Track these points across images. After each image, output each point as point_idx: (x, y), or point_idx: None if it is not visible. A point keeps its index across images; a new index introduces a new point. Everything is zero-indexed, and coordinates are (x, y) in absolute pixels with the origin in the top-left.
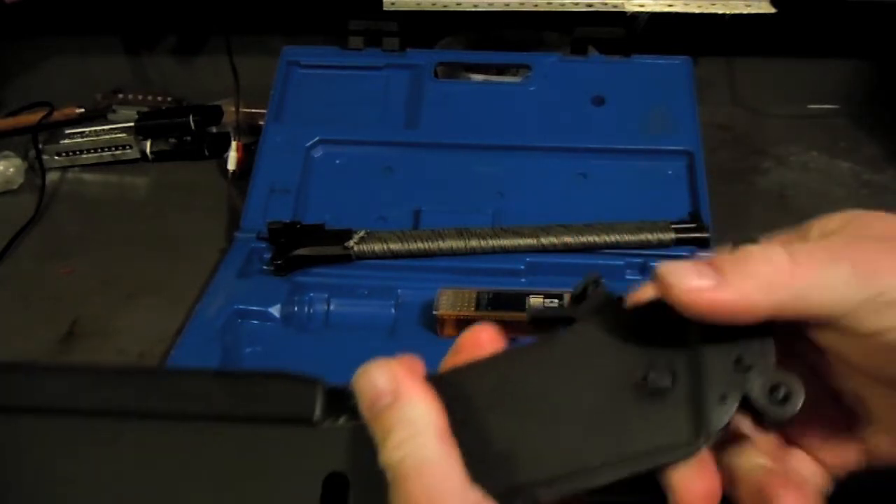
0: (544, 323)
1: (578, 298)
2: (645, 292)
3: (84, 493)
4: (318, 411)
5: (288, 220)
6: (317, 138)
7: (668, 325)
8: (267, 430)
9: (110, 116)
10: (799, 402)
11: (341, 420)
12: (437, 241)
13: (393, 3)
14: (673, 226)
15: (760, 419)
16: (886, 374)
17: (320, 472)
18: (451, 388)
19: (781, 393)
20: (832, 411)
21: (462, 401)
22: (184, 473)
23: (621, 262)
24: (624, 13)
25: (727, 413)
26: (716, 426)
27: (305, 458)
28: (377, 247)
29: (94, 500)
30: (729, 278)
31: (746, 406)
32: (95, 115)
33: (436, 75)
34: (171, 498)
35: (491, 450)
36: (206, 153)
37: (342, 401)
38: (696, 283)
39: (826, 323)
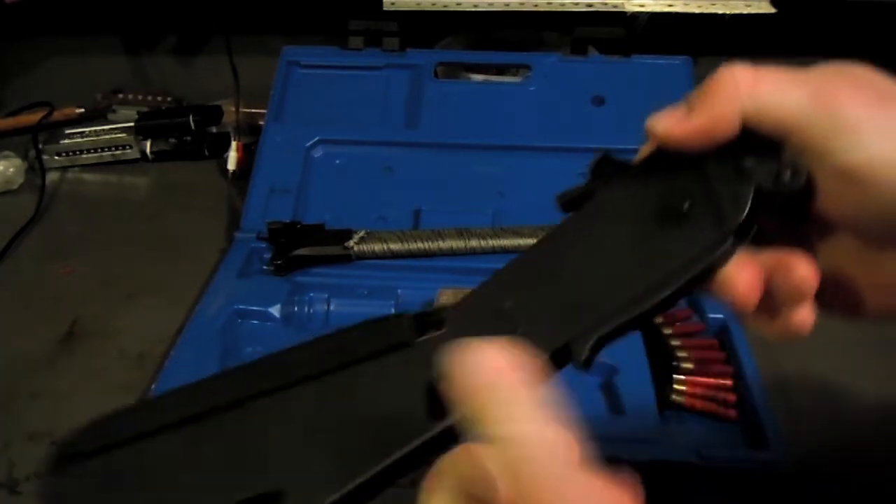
0: (572, 204)
1: (594, 175)
2: (645, 150)
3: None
4: (410, 334)
5: (288, 220)
6: (317, 138)
7: (675, 165)
8: (373, 364)
9: (110, 116)
10: (804, 173)
11: (431, 334)
12: (437, 241)
13: (393, 3)
14: None
15: (776, 206)
16: (844, 207)
17: (422, 382)
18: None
19: (787, 175)
20: None
21: (516, 281)
22: (315, 423)
23: None
24: (624, 13)
25: (743, 207)
26: (735, 221)
27: (408, 374)
28: (377, 247)
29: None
30: (698, 106)
31: (761, 199)
32: (95, 115)
33: (436, 75)
34: (304, 446)
35: (551, 310)
36: (206, 153)
37: (428, 318)
38: (670, 120)
39: (788, 138)
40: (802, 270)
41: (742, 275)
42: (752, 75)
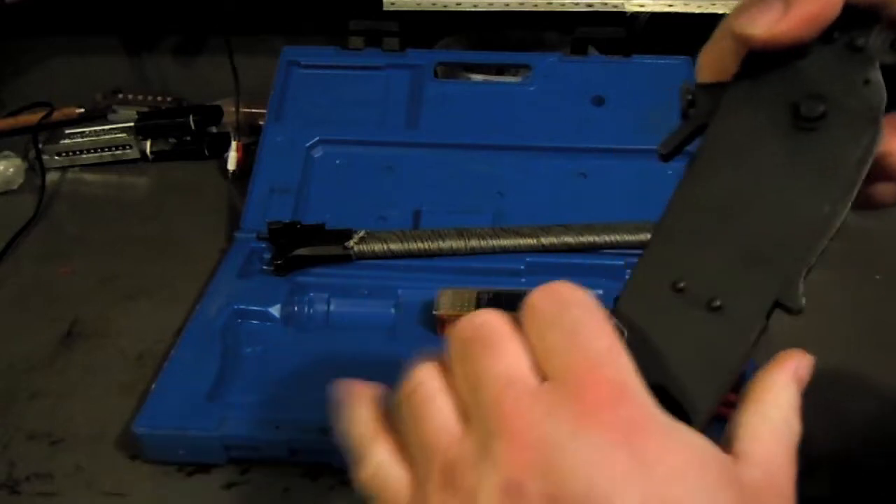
0: (679, 148)
1: (692, 106)
2: (720, 52)
3: None
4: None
5: (288, 220)
6: (317, 138)
7: (778, 67)
8: None
9: (110, 116)
10: None
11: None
12: (437, 241)
13: (393, 3)
14: None
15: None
16: None
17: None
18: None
19: None
20: None
21: (680, 249)
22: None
23: (621, 262)
24: (624, 13)
25: (878, 88)
26: (879, 105)
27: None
28: (377, 247)
29: None
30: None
31: (888, 72)
32: (95, 115)
33: (436, 75)
34: None
35: (738, 268)
36: (206, 153)
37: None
38: (768, 18)
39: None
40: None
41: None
42: None
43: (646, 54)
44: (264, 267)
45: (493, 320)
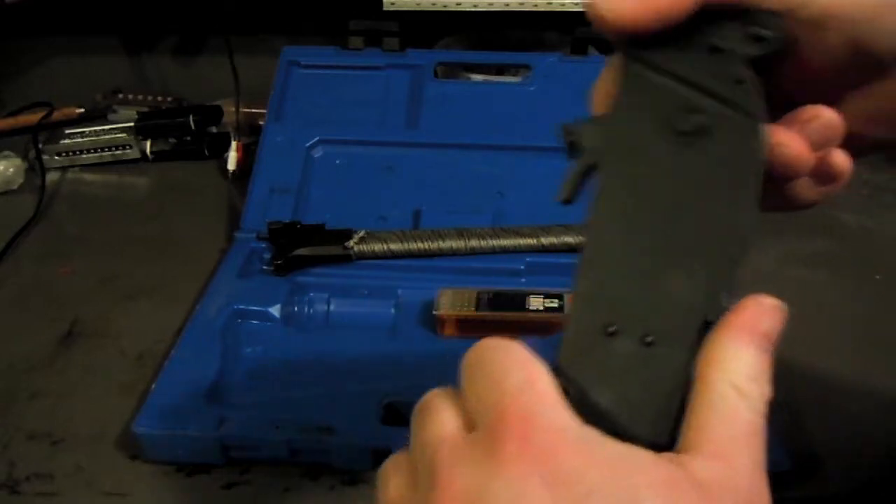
0: (576, 193)
1: (576, 147)
2: (609, 83)
3: None
4: None
5: (288, 220)
6: (317, 138)
7: (648, 83)
8: None
9: (110, 116)
10: (781, 25)
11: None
12: (437, 241)
13: (393, 3)
14: None
15: (766, 63)
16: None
17: None
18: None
19: (767, 32)
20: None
21: (603, 291)
22: None
23: None
24: None
25: (748, 87)
26: (755, 104)
27: None
28: (377, 247)
29: None
30: None
31: (758, 67)
32: (95, 115)
33: (436, 75)
34: None
35: (663, 299)
36: (206, 153)
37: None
38: (617, 3)
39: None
40: (826, 114)
41: (791, 139)
42: None
43: None
44: (264, 267)
45: (434, 393)
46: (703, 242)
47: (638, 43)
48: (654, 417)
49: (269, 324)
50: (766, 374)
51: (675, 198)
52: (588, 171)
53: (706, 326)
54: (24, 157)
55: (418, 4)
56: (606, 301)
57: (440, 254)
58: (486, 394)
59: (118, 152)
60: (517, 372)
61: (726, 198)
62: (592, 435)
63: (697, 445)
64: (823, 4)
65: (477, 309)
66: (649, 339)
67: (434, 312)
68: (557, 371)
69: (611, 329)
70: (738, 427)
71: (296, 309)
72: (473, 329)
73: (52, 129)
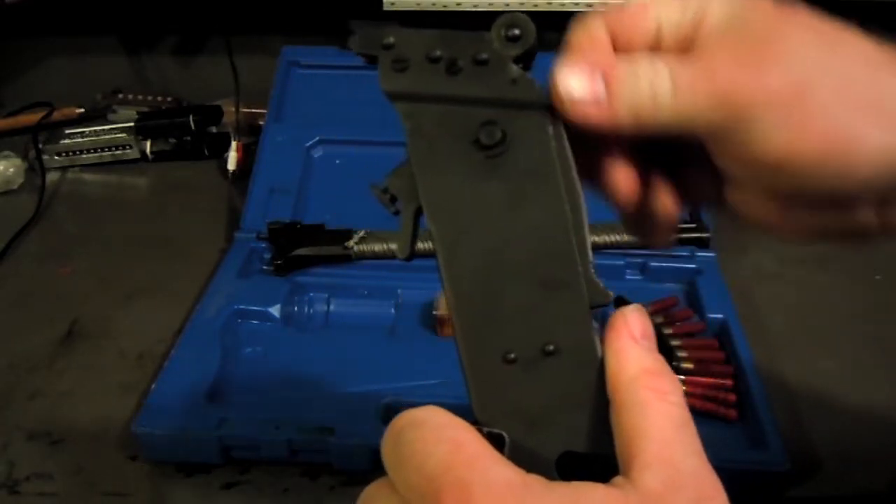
0: (414, 245)
1: (394, 200)
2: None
3: None
4: None
5: (288, 220)
6: (317, 138)
7: (439, 121)
8: None
9: (110, 116)
10: (529, 21)
11: None
12: None
13: (393, 3)
14: None
15: (529, 57)
16: (750, 177)
17: None
18: None
19: (514, 32)
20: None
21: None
22: None
23: (621, 262)
24: None
25: (524, 78)
26: (536, 90)
27: None
28: (377, 247)
29: None
30: (613, 99)
31: (521, 58)
32: (95, 115)
33: None
34: None
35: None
36: (206, 153)
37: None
38: (583, 98)
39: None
40: (666, 202)
41: (620, 174)
42: (670, 96)
43: None
44: (264, 267)
45: (374, 486)
46: (549, 245)
47: (393, 80)
48: (591, 428)
49: (269, 324)
50: (666, 365)
51: (503, 209)
52: (416, 218)
53: (594, 309)
54: (24, 157)
55: (418, 4)
56: (491, 333)
57: None
58: (415, 482)
59: (118, 152)
60: (437, 447)
61: (548, 196)
62: (536, 483)
63: (636, 456)
64: (765, 156)
65: None
66: (550, 347)
67: (434, 312)
68: (479, 425)
69: (509, 356)
70: (666, 425)
71: (296, 309)
72: None
73: (52, 129)
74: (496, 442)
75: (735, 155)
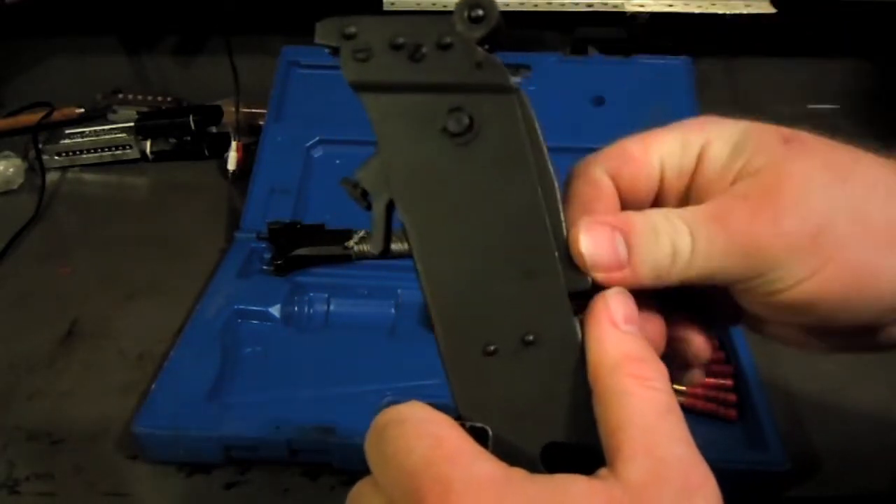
0: (387, 241)
1: (366, 195)
2: None
3: None
4: None
5: (288, 220)
6: (317, 138)
7: (405, 110)
8: None
9: (110, 116)
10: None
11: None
12: None
13: (393, 4)
14: None
15: (494, 38)
16: (772, 316)
17: None
18: None
19: (477, 12)
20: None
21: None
22: None
23: None
24: (624, 13)
25: (489, 59)
26: (501, 71)
27: None
28: None
29: None
30: (634, 260)
31: (487, 38)
32: (95, 115)
33: None
34: None
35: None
36: (206, 153)
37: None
38: (606, 263)
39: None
40: (696, 343)
41: (647, 324)
42: (688, 258)
43: (646, 54)
44: (264, 267)
45: (362, 483)
46: (524, 230)
47: (356, 70)
48: (575, 418)
49: (269, 324)
50: (651, 352)
51: (476, 197)
52: (389, 212)
53: (575, 295)
54: (24, 157)
55: (418, 4)
56: (470, 325)
57: None
58: (397, 478)
59: (118, 152)
60: (418, 443)
61: (519, 178)
62: (517, 476)
63: (619, 447)
64: (789, 299)
65: None
66: (529, 337)
67: None
68: (462, 420)
69: (489, 348)
70: (649, 411)
71: (296, 309)
72: None
73: (52, 129)
74: (479, 436)
75: (759, 300)
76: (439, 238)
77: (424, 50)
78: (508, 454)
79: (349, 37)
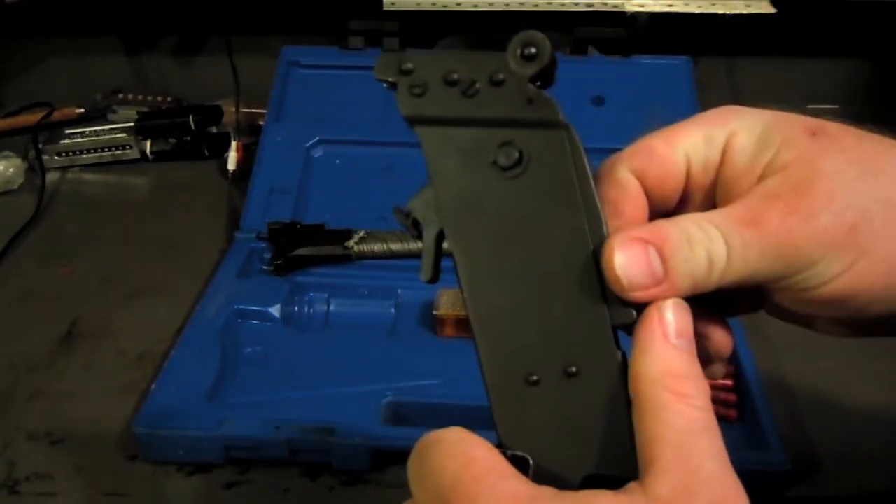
0: (437, 268)
1: (418, 225)
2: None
3: None
4: None
5: (288, 220)
6: (317, 138)
7: (458, 146)
8: None
9: (110, 116)
10: (544, 38)
11: None
12: None
13: (393, 3)
14: None
15: (548, 74)
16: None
17: None
18: None
19: (530, 50)
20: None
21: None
22: None
23: None
24: (624, 13)
25: (540, 96)
26: (553, 107)
27: None
28: (377, 247)
29: None
30: (671, 273)
31: (537, 77)
32: (95, 115)
33: None
34: None
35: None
36: (206, 153)
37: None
38: (643, 281)
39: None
40: (719, 339)
41: (713, 335)
42: (724, 263)
43: (646, 54)
44: (264, 267)
45: None
46: (573, 264)
47: (411, 105)
48: (615, 451)
49: (269, 324)
50: (696, 368)
51: (525, 230)
52: (439, 242)
53: (616, 331)
54: (24, 157)
55: (418, 4)
56: (514, 355)
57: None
58: (430, 496)
59: (118, 152)
60: (450, 462)
61: (562, 209)
62: (544, 494)
63: (652, 461)
64: (828, 294)
65: None
66: (572, 369)
67: (434, 312)
68: (502, 447)
69: (532, 378)
70: (684, 428)
71: (296, 309)
72: None
73: (52, 129)
74: (520, 465)
75: (794, 296)
76: (486, 269)
77: (478, 86)
78: (549, 484)
79: (406, 72)
